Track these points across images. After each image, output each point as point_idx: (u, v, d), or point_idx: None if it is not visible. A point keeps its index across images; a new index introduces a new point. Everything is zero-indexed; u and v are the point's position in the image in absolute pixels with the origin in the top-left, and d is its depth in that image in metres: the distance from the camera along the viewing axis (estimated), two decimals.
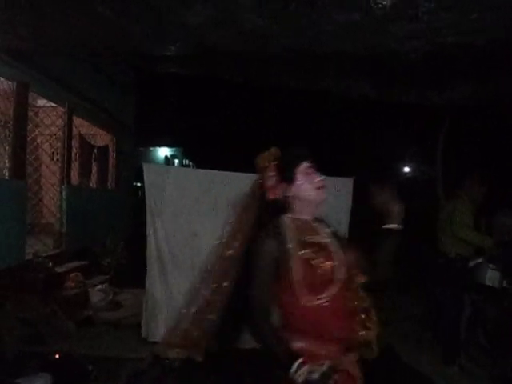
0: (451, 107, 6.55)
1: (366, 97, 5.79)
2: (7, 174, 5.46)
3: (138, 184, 10.80)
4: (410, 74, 5.00)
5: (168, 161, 21.54)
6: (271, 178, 1.80)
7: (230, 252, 1.88)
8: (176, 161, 23.38)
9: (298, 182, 1.76)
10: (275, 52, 4.02)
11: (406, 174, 13.10)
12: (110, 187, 9.36)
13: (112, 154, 9.36)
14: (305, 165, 1.79)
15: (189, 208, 4.31)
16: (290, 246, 1.64)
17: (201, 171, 4.75)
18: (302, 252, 1.63)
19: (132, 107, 10.52)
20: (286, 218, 1.75)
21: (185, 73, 6.00)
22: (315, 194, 1.80)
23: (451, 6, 3.04)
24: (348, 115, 9.54)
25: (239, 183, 4.41)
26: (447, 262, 4.24)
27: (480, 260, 4.26)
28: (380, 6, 2.79)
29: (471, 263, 4.27)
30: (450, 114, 6.98)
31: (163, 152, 22.50)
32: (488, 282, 4.24)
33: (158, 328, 4.24)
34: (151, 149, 20.31)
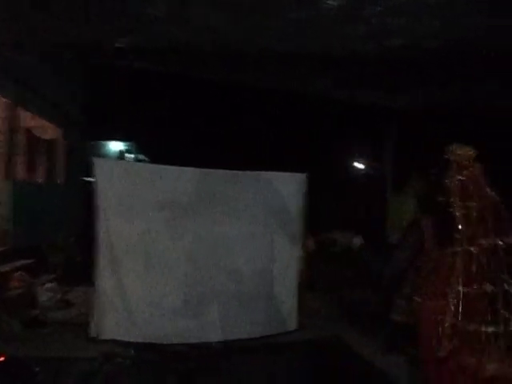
0: (401, 108, 6.83)
1: (317, 95, 5.92)
2: None
3: (89, 179, 10.44)
4: (362, 75, 5.17)
5: (121, 155, 20.92)
6: None
7: None
8: (130, 155, 22.75)
9: None
10: (228, 47, 4.04)
11: (358, 171, 13.51)
12: (59, 182, 9.01)
13: (61, 148, 9.00)
14: None
15: (141, 203, 4.24)
16: None
17: (154, 166, 4.70)
18: None
19: (83, 100, 10.15)
20: None
21: (138, 66, 5.90)
22: None
23: (398, 11, 3.18)
24: (300, 113, 9.70)
25: (192, 178, 4.42)
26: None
27: None
28: (328, 5, 2.87)
29: None
30: (400, 115, 7.27)
31: (116, 146, 21.82)
32: None
33: (109, 326, 4.17)
34: (103, 143, 19.66)
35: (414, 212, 4.38)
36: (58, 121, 8.68)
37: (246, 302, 4.47)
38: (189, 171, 4.43)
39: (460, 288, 2.04)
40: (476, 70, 4.90)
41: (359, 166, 13.93)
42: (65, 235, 7.10)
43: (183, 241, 4.31)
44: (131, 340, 4.15)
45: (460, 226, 2.09)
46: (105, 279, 4.18)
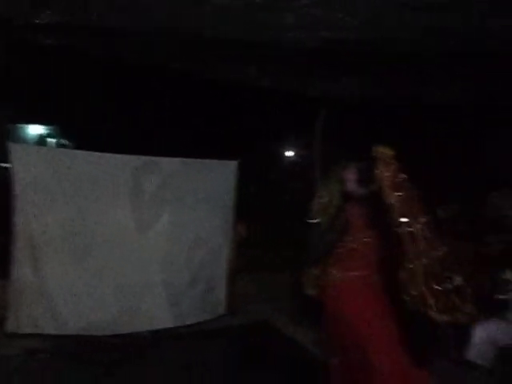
0: (330, 97, 7.06)
1: (245, 83, 5.94)
2: None
3: (3, 165, 9.70)
4: (292, 64, 5.27)
5: (41, 140, 19.65)
6: None
7: None
8: (51, 140, 21.43)
9: None
10: (153, 31, 3.92)
11: (288, 158, 13.87)
12: None
13: None
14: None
15: (63, 191, 4.05)
16: None
17: (76, 152, 4.48)
18: None
19: None
20: None
21: (62, 44, 5.53)
22: None
23: (323, 2, 3.26)
24: (232, 100, 9.71)
25: (117, 165, 4.28)
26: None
27: None
28: None
29: None
30: (329, 103, 7.52)
31: (36, 130, 20.42)
32: None
33: (29, 320, 3.99)
34: (21, 126, 18.33)
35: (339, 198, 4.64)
36: None
37: (177, 289, 4.46)
38: (112, 157, 4.27)
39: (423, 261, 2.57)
40: (405, 64, 5.16)
41: (289, 154, 14.33)
42: None
43: (108, 229, 4.18)
44: (55, 333, 4.01)
45: (394, 212, 2.56)
46: (24, 270, 3.97)
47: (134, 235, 4.28)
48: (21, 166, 3.95)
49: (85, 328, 4.09)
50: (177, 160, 4.53)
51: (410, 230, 2.59)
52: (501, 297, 3.61)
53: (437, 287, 2.60)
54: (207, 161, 4.71)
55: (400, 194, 2.60)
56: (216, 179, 4.68)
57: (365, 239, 2.69)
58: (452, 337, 3.81)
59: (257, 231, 6.15)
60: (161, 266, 4.39)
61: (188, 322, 4.52)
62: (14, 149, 4.00)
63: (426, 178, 6.76)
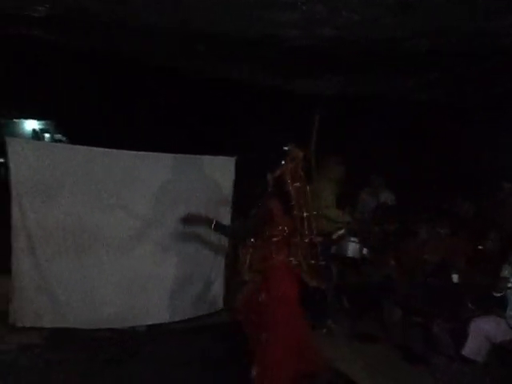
0: (325, 96, 7.07)
1: (243, 80, 5.92)
2: None
3: (0, 160, 9.65)
4: (288, 62, 5.26)
5: (37, 135, 19.53)
6: None
7: None
8: (46, 135, 21.31)
9: None
10: (145, 26, 3.90)
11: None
12: None
13: None
14: None
15: (61, 186, 4.02)
16: None
17: (73, 147, 4.43)
18: None
19: None
20: None
21: (56, 38, 5.50)
22: None
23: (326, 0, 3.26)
24: (227, 98, 9.70)
25: (116, 160, 4.26)
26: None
27: (342, 232, 4.75)
28: None
29: (334, 236, 4.73)
30: (324, 102, 7.52)
31: (31, 125, 20.29)
32: (350, 254, 4.78)
33: (28, 313, 3.99)
34: (16, 121, 18.21)
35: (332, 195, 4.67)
36: None
37: (175, 284, 4.46)
38: (108, 152, 4.24)
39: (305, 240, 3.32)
40: (397, 63, 5.17)
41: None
42: None
43: (106, 224, 4.16)
44: (54, 326, 4.01)
45: (292, 199, 3.19)
46: (22, 265, 3.96)
47: (132, 230, 4.26)
48: (17, 159, 3.92)
49: (83, 322, 4.09)
50: (174, 155, 4.51)
51: (302, 214, 3.23)
52: (497, 294, 3.65)
53: (312, 262, 3.36)
54: (205, 157, 4.69)
55: (298, 184, 3.22)
56: (214, 175, 4.67)
57: (283, 227, 3.20)
58: (448, 333, 3.84)
59: None
60: (159, 261, 4.38)
61: (186, 317, 4.52)
62: (11, 143, 3.97)
63: (436, 176, 6.82)
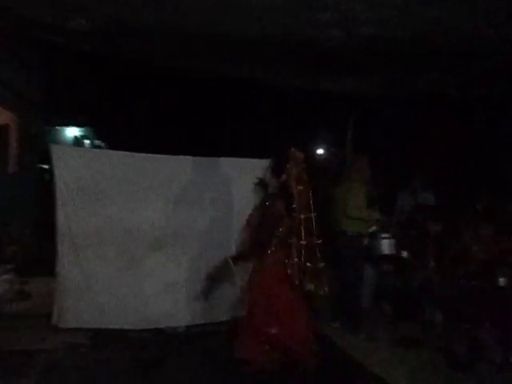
0: (362, 95, 6.96)
1: (280, 83, 5.92)
2: None
3: (45, 166, 10.07)
4: (326, 62, 5.21)
5: (78, 141, 20.24)
6: None
7: None
8: (87, 141, 22.04)
9: None
10: (192, 33, 3.96)
11: (319, 156, 13.74)
12: (11, 171, 8.60)
13: (14, 134, 8.58)
14: None
15: (102, 191, 4.16)
16: None
17: (114, 152, 4.57)
18: None
19: (38, 84, 9.68)
20: None
21: (95, 49, 5.69)
22: None
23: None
24: (263, 101, 9.71)
25: (154, 165, 4.36)
26: (347, 239, 4.53)
27: (374, 228, 4.72)
28: None
29: (369, 230, 4.69)
30: (361, 101, 7.42)
31: (72, 132, 21.04)
32: (385, 252, 4.73)
33: (71, 314, 4.12)
34: (58, 128, 18.92)
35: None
36: (11, 105, 8.25)
37: (211, 287, 4.49)
38: (148, 157, 4.36)
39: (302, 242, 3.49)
40: (441, 61, 5.03)
41: (319, 152, 14.18)
42: (19, 225, 6.84)
43: (146, 228, 4.26)
44: (97, 327, 4.13)
45: (295, 201, 3.38)
46: (66, 268, 4.10)
47: (170, 233, 4.34)
48: (61, 165, 4.08)
49: (125, 322, 4.19)
50: (210, 159, 4.57)
51: (301, 216, 3.40)
52: None
53: (308, 264, 3.51)
54: (240, 159, 4.71)
55: (301, 187, 3.41)
56: (251, 177, 4.68)
57: (284, 228, 3.42)
58: (497, 339, 3.68)
59: None
60: (195, 264, 4.43)
61: (223, 319, 4.55)
62: (55, 150, 4.13)
63: (478, 175, 6.61)
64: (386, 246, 4.74)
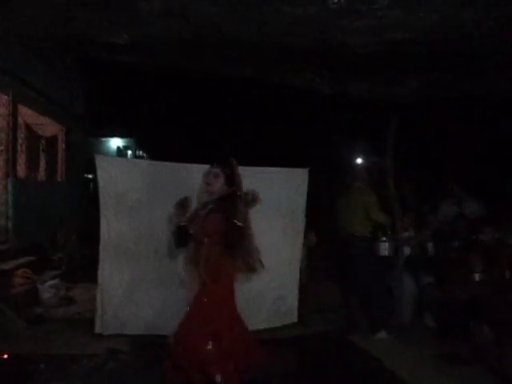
0: (399, 102, 6.82)
1: (317, 90, 5.89)
2: None
3: (90, 176, 10.48)
4: (360, 69, 5.15)
5: (120, 152, 20.96)
6: None
7: None
8: (129, 152, 22.79)
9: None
10: (226, 42, 4.01)
11: (357, 165, 13.49)
12: (59, 179, 9.00)
13: (61, 145, 8.99)
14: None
15: (144, 200, 4.25)
16: None
17: (155, 163, 4.67)
18: None
19: (83, 97, 10.13)
20: None
21: (136, 62, 5.87)
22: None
23: (403, 4, 3.15)
24: (300, 108, 9.70)
25: (194, 175, 4.41)
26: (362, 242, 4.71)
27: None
28: (335, 0, 2.86)
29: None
30: (398, 108, 7.27)
31: (115, 143, 21.85)
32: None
33: (113, 321, 4.20)
34: (102, 139, 19.68)
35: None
36: (59, 118, 8.67)
37: (250, 295, 4.48)
38: (189, 167, 4.41)
39: None
40: (475, 64, 4.88)
41: (358, 160, 13.94)
42: (65, 232, 7.11)
43: None
44: (138, 333, 4.20)
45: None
46: (108, 275, 4.20)
47: None
48: (105, 175, 4.20)
49: (165, 329, 4.23)
50: (249, 168, 4.57)
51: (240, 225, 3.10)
52: None
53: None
54: (279, 169, 4.70)
55: (247, 194, 3.33)
56: (288, 187, 4.66)
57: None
58: None
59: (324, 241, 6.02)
60: None
61: (260, 328, 4.51)
62: (100, 160, 4.26)
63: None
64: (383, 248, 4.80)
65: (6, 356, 3.67)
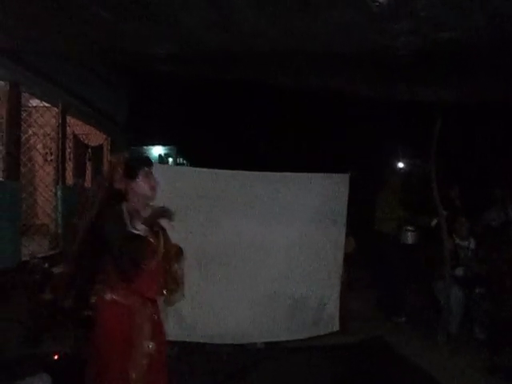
0: (444, 104, 6.60)
1: (357, 94, 5.80)
2: (1, 175, 5.43)
3: None
4: (403, 71, 5.02)
5: (162, 159, 21.48)
6: (119, 173, 2.33)
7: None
8: (170, 159, 23.32)
9: (137, 180, 2.36)
10: (267, 51, 4.02)
11: (400, 169, 13.16)
12: None
13: (106, 154, 9.32)
14: (146, 169, 2.43)
15: (185, 206, 4.31)
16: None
17: (197, 170, 4.74)
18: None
19: (126, 106, 10.48)
20: (124, 205, 2.27)
21: (178, 72, 5.99)
22: (149, 193, 2.42)
23: (448, 2, 3.05)
24: (340, 113, 9.58)
25: (236, 181, 4.45)
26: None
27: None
28: (377, 3, 2.80)
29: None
30: (443, 110, 7.04)
31: (157, 151, 22.42)
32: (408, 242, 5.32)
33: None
34: (145, 147, 20.25)
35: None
36: (104, 128, 9.00)
37: (292, 303, 4.45)
38: (230, 174, 4.45)
39: None
40: None
41: (401, 164, 13.57)
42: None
43: (229, 243, 4.33)
44: (182, 340, 4.21)
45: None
46: None
47: (252, 249, 4.37)
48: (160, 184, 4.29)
49: (208, 336, 4.27)
50: (290, 174, 4.56)
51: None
52: None
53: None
54: (319, 174, 4.65)
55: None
56: (329, 192, 4.61)
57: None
58: None
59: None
60: (278, 280, 4.41)
61: (301, 337, 4.47)
62: (154, 168, 4.36)
63: None
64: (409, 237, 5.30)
65: (56, 356, 3.80)
